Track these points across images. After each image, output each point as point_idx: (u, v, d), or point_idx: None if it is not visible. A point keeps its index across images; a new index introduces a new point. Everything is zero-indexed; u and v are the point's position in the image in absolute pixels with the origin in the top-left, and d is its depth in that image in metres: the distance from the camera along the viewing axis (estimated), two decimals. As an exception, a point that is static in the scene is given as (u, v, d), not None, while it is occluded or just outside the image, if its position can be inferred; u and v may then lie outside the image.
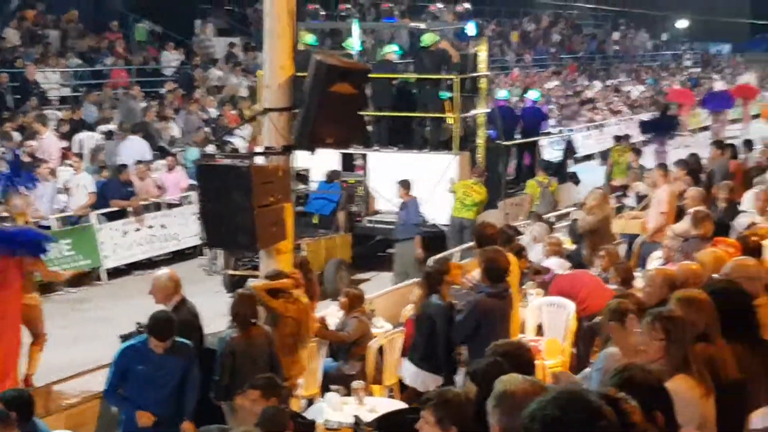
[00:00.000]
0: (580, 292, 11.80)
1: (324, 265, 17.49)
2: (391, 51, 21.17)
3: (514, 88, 34.59)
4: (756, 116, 42.92)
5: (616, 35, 59.65)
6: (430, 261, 13.72)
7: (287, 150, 10.19)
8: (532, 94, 25.85)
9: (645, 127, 31.71)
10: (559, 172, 22.86)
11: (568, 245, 15.82)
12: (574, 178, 23.82)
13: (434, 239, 18.75)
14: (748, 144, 21.52)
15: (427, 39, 20.42)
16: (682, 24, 67.66)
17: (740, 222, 13.05)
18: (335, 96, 9.70)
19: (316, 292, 12.11)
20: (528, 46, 49.45)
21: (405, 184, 17.70)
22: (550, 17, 55.45)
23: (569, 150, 26.66)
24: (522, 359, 5.92)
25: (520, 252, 11.85)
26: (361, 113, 18.37)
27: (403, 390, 10.18)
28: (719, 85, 43.16)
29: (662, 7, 62.30)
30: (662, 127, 31.54)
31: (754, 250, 9.22)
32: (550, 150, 27.68)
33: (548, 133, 27.25)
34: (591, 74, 50.08)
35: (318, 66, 9.68)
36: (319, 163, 17.95)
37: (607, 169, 24.35)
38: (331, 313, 12.44)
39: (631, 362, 5.17)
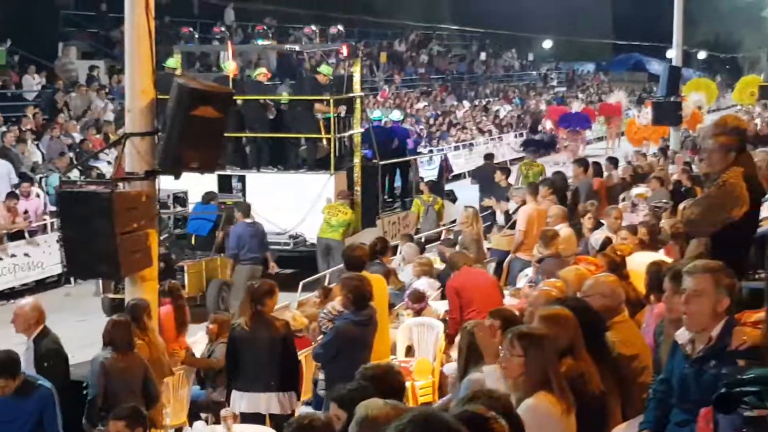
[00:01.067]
0: (474, 293, 11.60)
1: (205, 286, 17.43)
2: (262, 72, 21.45)
3: (384, 109, 34.86)
4: (621, 134, 43.82)
5: (483, 56, 60.56)
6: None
7: (150, 175, 10.03)
8: (395, 115, 26.28)
9: (528, 144, 32.32)
10: (436, 190, 23.14)
11: (438, 265, 15.93)
12: (451, 197, 24.05)
13: (304, 259, 18.83)
14: (613, 161, 21.93)
15: (325, 70, 20.64)
16: (547, 44, 69.09)
17: (594, 239, 13.30)
18: (198, 120, 9.60)
19: (186, 317, 11.95)
20: (397, 67, 49.86)
21: (239, 208, 17.66)
22: (419, 38, 56.02)
23: (445, 169, 26.98)
24: (391, 383, 5.93)
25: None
26: (227, 135, 18.64)
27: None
28: (576, 105, 43.82)
29: (528, 29, 63.52)
30: (543, 145, 32.22)
31: (619, 266, 9.38)
32: (423, 169, 27.93)
33: (419, 153, 27.53)
34: (459, 94, 50.73)
35: (180, 90, 9.58)
36: (197, 186, 17.88)
37: (515, 183, 24.39)
38: (199, 339, 12.29)
39: (479, 390, 5.21)
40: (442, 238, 18.61)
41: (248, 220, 17.17)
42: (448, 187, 26.44)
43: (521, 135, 42.95)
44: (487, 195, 21.73)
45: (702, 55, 73.01)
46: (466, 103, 48.31)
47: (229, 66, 20.69)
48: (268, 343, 9.69)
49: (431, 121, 40.89)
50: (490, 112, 47.28)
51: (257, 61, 29.07)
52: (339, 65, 22.28)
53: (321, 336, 10.52)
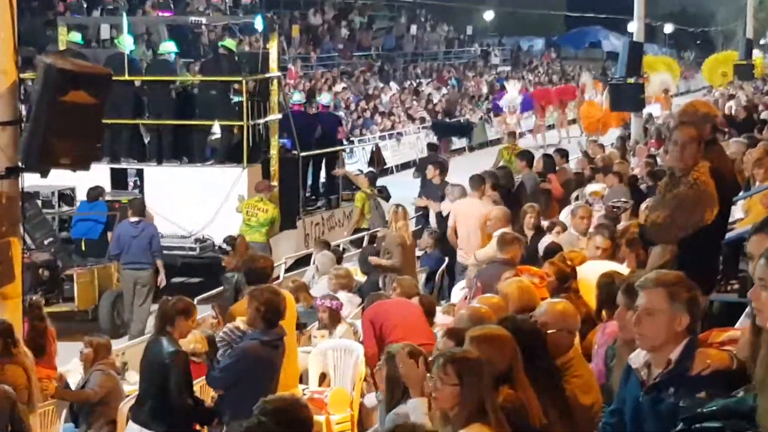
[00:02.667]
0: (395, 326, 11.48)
1: (98, 298, 17.28)
2: (168, 51, 21.31)
3: (300, 92, 34.70)
4: (573, 121, 44.07)
5: (413, 29, 60.65)
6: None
7: (12, 173, 9.90)
8: (325, 98, 26.12)
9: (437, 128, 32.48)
10: (374, 184, 22.94)
11: (359, 276, 15.87)
12: (384, 194, 23.33)
13: (212, 266, 18.72)
14: (563, 154, 21.64)
15: (228, 44, 21.02)
16: (489, 16, 69.24)
17: (542, 243, 13.18)
18: (70, 106, 9.48)
19: (48, 340, 11.81)
20: (312, 43, 49.74)
21: (132, 204, 17.65)
22: (337, 9, 55.81)
23: (376, 161, 26.77)
24: (295, 417, 5.90)
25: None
26: (121, 123, 18.57)
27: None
28: (511, 86, 43.59)
29: (466, -2, 63.83)
30: (457, 131, 32.34)
31: (569, 277, 9.34)
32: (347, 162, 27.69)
33: (350, 142, 27.43)
34: (386, 75, 50.75)
35: (47, 71, 9.45)
36: (86, 181, 17.63)
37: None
38: (74, 368, 12.15)
39: (402, 425, 5.21)
40: (365, 244, 18.55)
41: (133, 219, 17.02)
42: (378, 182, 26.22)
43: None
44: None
45: (668, 28, 73.89)
46: (394, 86, 48.37)
47: (125, 41, 20.62)
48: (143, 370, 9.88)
49: (353, 107, 40.87)
50: (422, 96, 47.39)
51: (143, 34, 28.90)
52: (243, 40, 22.27)
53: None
